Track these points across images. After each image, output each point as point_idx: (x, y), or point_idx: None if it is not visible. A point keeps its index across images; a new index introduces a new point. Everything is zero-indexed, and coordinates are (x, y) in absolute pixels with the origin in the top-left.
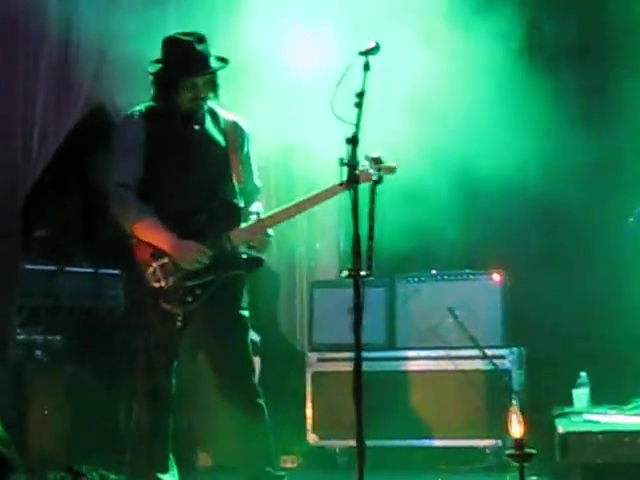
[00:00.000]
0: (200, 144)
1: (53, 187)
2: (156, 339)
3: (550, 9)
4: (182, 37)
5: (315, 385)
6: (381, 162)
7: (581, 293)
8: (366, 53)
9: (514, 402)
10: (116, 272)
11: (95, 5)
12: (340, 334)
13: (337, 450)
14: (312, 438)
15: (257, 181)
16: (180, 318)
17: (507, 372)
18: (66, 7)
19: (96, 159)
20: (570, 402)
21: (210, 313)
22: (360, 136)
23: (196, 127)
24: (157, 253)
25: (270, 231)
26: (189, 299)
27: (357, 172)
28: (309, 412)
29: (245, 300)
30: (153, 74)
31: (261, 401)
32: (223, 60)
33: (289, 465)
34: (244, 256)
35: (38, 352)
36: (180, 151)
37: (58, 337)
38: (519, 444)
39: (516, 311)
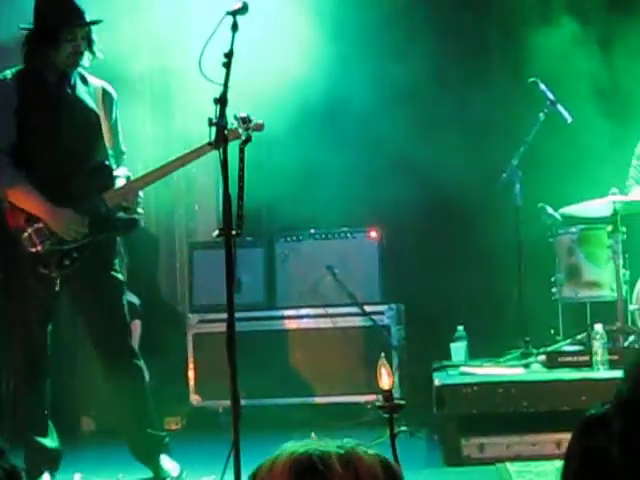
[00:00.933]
0: (73, 108)
1: None
2: (34, 304)
3: None
4: None
5: (196, 346)
6: (250, 121)
7: (457, 248)
8: (234, 13)
9: (382, 355)
10: None
11: None
12: (220, 295)
13: (220, 410)
14: (195, 399)
15: (123, 146)
16: (57, 281)
17: (386, 328)
18: None
19: None
20: (449, 356)
21: (84, 276)
22: (228, 96)
23: (68, 90)
24: (31, 218)
25: (140, 193)
26: (66, 262)
27: (226, 131)
28: (191, 373)
29: (118, 262)
30: (29, 31)
31: (139, 362)
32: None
33: (173, 427)
34: (120, 218)
35: None
36: (53, 115)
37: None
38: (388, 396)
39: (394, 267)
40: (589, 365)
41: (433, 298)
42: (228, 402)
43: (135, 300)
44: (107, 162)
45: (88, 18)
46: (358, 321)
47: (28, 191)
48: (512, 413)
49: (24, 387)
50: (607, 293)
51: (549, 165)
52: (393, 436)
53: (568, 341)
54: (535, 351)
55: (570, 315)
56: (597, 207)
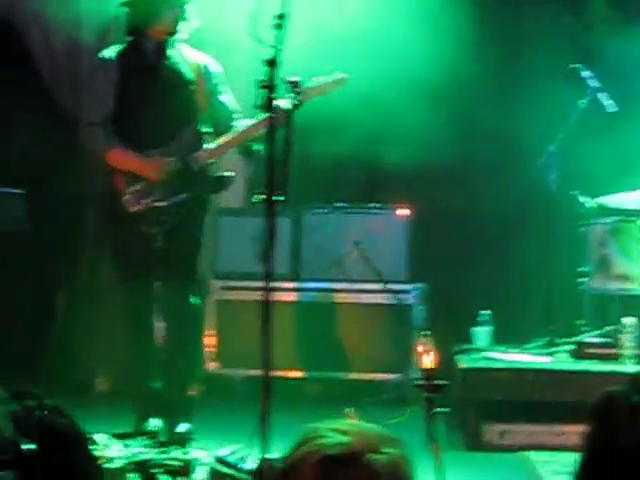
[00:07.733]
0: (169, 77)
1: None
2: (137, 261)
3: None
4: None
5: (217, 313)
6: (299, 85)
7: (488, 232)
8: None
9: (424, 333)
10: (18, 192)
11: None
12: (245, 263)
13: (238, 379)
14: (212, 366)
15: (234, 106)
16: (159, 238)
17: (409, 307)
18: None
19: None
20: (469, 341)
21: (177, 232)
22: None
23: (164, 59)
24: (130, 180)
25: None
26: (164, 218)
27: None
28: (210, 340)
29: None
30: (129, 3)
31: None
32: None
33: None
34: (212, 176)
35: None
36: (151, 85)
37: None
38: (430, 375)
39: (422, 247)
40: (615, 358)
41: (459, 281)
42: (246, 371)
43: None
44: (200, 127)
45: None
46: (381, 299)
47: (121, 150)
48: (536, 402)
49: (132, 340)
50: (637, 287)
51: (589, 154)
52: (431, 416)
53: (594, 332)
54: (560, 340)
55: (596, 307)
56: (634, 199)
